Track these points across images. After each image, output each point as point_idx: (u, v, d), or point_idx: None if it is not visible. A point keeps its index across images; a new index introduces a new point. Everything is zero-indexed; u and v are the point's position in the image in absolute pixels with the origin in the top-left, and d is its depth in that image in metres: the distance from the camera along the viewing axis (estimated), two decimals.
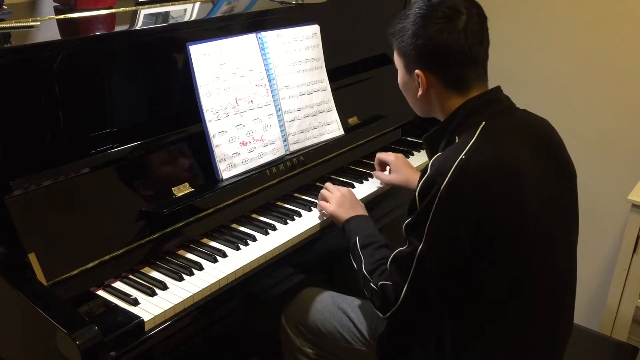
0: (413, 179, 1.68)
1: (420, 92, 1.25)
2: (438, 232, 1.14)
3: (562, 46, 2.29)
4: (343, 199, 1.56)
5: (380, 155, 1.80)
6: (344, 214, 1.51)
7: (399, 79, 1.32)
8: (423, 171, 1.19)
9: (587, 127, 2.29)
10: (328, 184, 1.64)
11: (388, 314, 1.25)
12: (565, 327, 1.32)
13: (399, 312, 1.23)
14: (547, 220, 1.20)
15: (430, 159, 1.29)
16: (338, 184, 1.78)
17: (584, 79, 2.27)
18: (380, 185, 1.81)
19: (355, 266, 1.38)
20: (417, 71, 1.23)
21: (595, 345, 1.71)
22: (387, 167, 1.80)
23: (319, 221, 1.60)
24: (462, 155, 1.13)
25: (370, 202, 1.76)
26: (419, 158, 2.02)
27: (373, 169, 1.89)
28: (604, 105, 2.25)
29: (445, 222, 1.13)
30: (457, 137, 1.20)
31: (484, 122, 1.18)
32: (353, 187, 1.79)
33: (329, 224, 1.62)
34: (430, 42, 1.19)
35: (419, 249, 1.16)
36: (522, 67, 2.39)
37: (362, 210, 1.54)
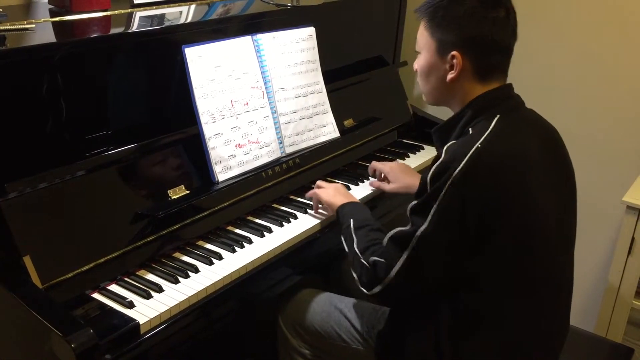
0: (414, 184, 1.67)
1: (452, 76, 1.24)
2: (444, 215, 1.14)
3: (559, 48, 2.30)
4: (337, 190, 1.59)
5: (376, 165, 1.81)
6: (339, 200, 1.53)
7: (423, 62, 1.29)
8: (436, 157, 1.20)
9: (583, 129, 2.29)
10: (319, 182, 1.66)
11: (373, 291, 1.25)
12: (562, 325, 1.32)
13: (384, 291, 1.23)
14: (549, 217, 1.22)
15: (439, 151, 1.29)
16: None
17: (579, 80, 2.28)
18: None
19: (347, 246, 1.38)
20: (454, 52, 1.22)
21: (590, 346, 1.71)
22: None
23: (315, 223, 1.60)
24: (478, 144, 1.14)
25: (366, 204, 1.76)
26: (415, 160, 2.03)
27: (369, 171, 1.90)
28: (600, 106, 2.25)
29: (453, 206, 1.13)
30: (470, 129, 1.21)
31: (498, 116, 1.20)
32: (349, 189, 1.79)
33: (325, 225, 1.62)
34: (476, 25, 1.19)
35: (421, 229, 1.16)
36: (518, 67, 2.39)
37: (355, 199, 1.56)
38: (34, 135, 1.31)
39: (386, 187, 1.77)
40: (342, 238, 1.41)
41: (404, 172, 1.76)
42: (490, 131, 1.17)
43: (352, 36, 2.08)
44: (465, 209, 1.13)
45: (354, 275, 1.32)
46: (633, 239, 1.94)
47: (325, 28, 1.89)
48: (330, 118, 1.87)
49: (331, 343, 1.52)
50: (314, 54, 1.83)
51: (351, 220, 1.41)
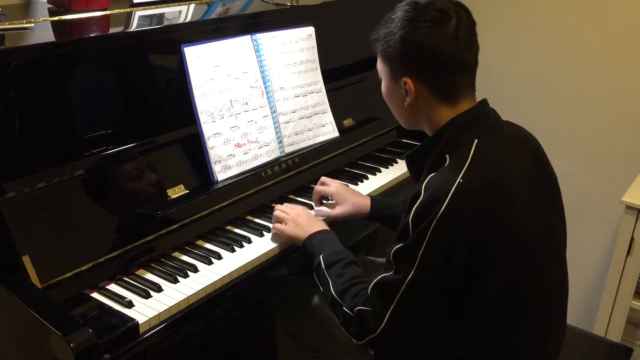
0: (363, 204, 1.58)
1: (408, 102, 1.19)
2: (432, 258, 1.09)
3: (555, 48, 2.30)
4: (299, 218, 1.47)
5: (319, 189, 1.63)
6: (302, 233, 1.43)
7: (384, 87, 1.26)
8: (415, 195, 1.12)
9: (581, 130, 2.30)
10: (278, 205, 1.55)
11: (364, 341, 1.19)
12: (558, 335, 1.30)
13: (377, 340, 1.18)
14: (538, 233, 1.18)
15: (414, 178, 1.25)
16: None
17: (578, 82, 2.28)
18: (381, 185, 1.81)
19: (322, 288, 1.31)
20: (404, 79, 1.17)
21: (589, 346, 1.71)
22: (329, 200, 1.65)
23: None
24: (459, 179, 1.09)
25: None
26: None
27: (369, 170, 1.90)
28: (598, 107, 2.26)
29: (440, 248, 1.09)
30: (447, 156, 1.15)
31: (476, 140, 1.14)
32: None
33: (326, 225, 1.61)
34: (420, 46, 1.14)
35: (410, 277, 1.11)
36: (514, 69, 2.40)
37: (321, 226, 1.45)
38: (32, 134, 1.31)
39: (333, 212, 1.58)
40: (315, 276, 1.34)
41: (350, 192, 1.62)
42: (470, 161, 1.11)
43: (351, 36, 2.08)
44: (452, 248, 1.08)
45: (337, 319, 1.26)
46: (632, 238, 1.94)
47: (325, 27, 1.89)
48: (329, 117, 1.87)
49: (330, 344, 1.52)
50: (314, 54, 1.83)
51: (321, 258, 1.32)
